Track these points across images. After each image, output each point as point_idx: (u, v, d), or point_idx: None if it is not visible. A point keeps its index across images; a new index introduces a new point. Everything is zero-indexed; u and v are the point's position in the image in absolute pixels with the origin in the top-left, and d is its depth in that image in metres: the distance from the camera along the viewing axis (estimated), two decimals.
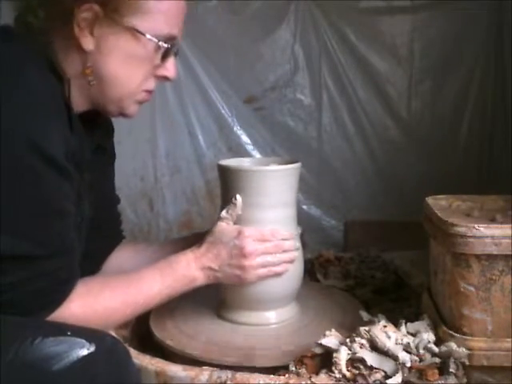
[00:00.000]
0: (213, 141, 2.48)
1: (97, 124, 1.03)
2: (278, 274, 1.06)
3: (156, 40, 0.91)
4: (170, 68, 0.97)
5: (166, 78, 0.98)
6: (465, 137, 2.43)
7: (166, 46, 0.92)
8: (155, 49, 0.92)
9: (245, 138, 2.50)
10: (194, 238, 1.10)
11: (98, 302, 0.90)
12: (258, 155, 2.46)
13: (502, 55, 2.31)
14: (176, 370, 0.89)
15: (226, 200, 1.08)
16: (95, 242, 1.07)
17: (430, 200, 1.03)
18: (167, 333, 1.09)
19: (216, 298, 1.15)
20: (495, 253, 0.85)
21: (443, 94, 2.42)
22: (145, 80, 0.95)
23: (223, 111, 2.47)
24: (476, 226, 0.85)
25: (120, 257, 1.18)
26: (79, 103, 0.94)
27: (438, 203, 1.02)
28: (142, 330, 1.16)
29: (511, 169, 2.01)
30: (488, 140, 2.42)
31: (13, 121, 0.77)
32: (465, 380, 0.87)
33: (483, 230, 0.85)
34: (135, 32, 0.89)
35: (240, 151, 2.45)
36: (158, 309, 1.13)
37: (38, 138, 0.78)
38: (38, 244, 0.81)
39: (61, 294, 0.85)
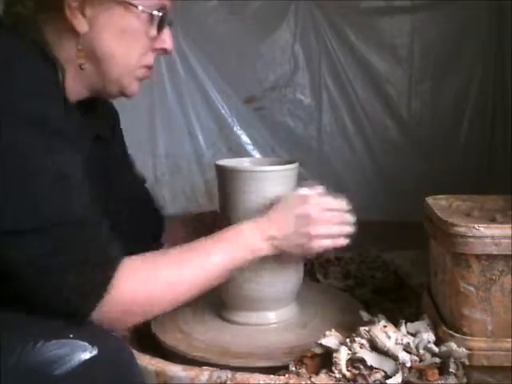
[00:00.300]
0: (213, 141, 2.49)
1: (96, 114, 1.01)
2: (337, 247, 1.02)
3: (149, 10, 0.89)
4: (167, 39, 0.95)
5: (163, 51, 0.96)
6: (465, 137, 2.43)
7: (159, 14, 0.90)
8: (149, 20, 0.90)
9: (245, 138, 2.50)
10: None
11: (156, 277, 0.81)
12: (257, 155, 2.46)
13: (502, 55, 2.31)
14: (176, 370, 0.89)
15: (224, 200, 1.08)
16: (139, 231, 1.05)
17: (429, 200, 1.03)
18: (167, 333, 1.09)
19: (216, 298, 1.15)
20: (495, 253, 0.85)
21: (443, 93, 2.42)
22: (143, 55, 0.93)
23: (223, 111, 2.47)
24: (476, 226, 0.85)
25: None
26: (77, 90, 0.92)
27: (437, 203, 1.02)
28: (142, 330, 1.16)
29: (511, 169, 2.01)
30: (488, 140, 2.42)
31: (11, 99, 0.75)
32: (465, 380, 0.87)
33: (483, 230, 0.85)
34: (127, 5, 0.87)
35: (240, 151, 2.45)
36: None
37: (38, 112, 0.76)
38: (52, 212, 0.74)
39: (104, 276, 0.76)
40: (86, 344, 0.72)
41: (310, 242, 0.98)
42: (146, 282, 0.81)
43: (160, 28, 0.93)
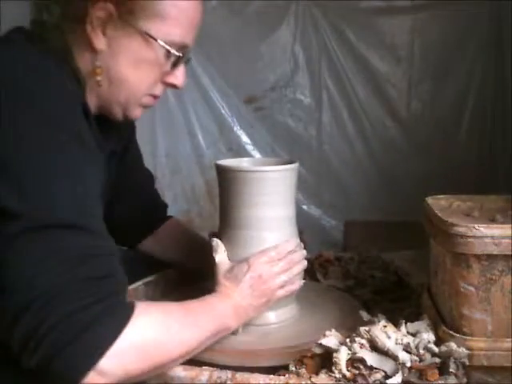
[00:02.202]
0: (213, 141, 2.49)
1: (112, 129, 1.02)
2: (294, 291, 1.05)
3: (168, 47, 0.90)
4: (179, 76, 0.96)
5: (173, 86, 0.97)
6: (465, 137, 2.43)
7: (177, 54, 0.92)
8: (166, 55, 0.91)
9: (245, 138, 2.50)
10: None
11: (168, 328, 0.80)
12: (258, 155, 2.46)
13: (502, 55, 2.31)
14: (176, 369, 0.89)
15: (224, 200, 1.08)
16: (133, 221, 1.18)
17: (429, 200, 1.03)
18: None
19: None
20: (495, 253, 0.85)
21: (443, 94, 2.42)
22: (153, 85, 0.95)
23: (223, 111, 2.47)
24: (476, 226, 0.85)
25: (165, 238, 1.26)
26: (90, 105, 0.93)
27: (437, 203, 1.02)
28: None
29: (511, 169, 2.01)
30: (488, 140, 2.42)
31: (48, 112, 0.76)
32: (465, 380, 0.87)
33: (483, 230, 0.85)
34: (147, 36, 0.88)
35: (240, 151, 2.45)
36: None
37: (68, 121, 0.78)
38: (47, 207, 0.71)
39: (122, 315, 0.73)
40: None
41: (268, 298, 1.00)
42: (159, 330, 0.78)
43: (175, 65, 0.94)
